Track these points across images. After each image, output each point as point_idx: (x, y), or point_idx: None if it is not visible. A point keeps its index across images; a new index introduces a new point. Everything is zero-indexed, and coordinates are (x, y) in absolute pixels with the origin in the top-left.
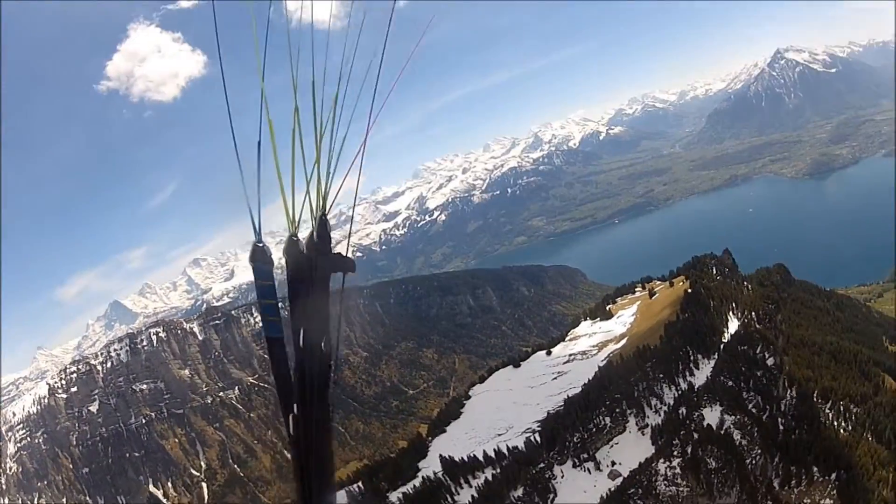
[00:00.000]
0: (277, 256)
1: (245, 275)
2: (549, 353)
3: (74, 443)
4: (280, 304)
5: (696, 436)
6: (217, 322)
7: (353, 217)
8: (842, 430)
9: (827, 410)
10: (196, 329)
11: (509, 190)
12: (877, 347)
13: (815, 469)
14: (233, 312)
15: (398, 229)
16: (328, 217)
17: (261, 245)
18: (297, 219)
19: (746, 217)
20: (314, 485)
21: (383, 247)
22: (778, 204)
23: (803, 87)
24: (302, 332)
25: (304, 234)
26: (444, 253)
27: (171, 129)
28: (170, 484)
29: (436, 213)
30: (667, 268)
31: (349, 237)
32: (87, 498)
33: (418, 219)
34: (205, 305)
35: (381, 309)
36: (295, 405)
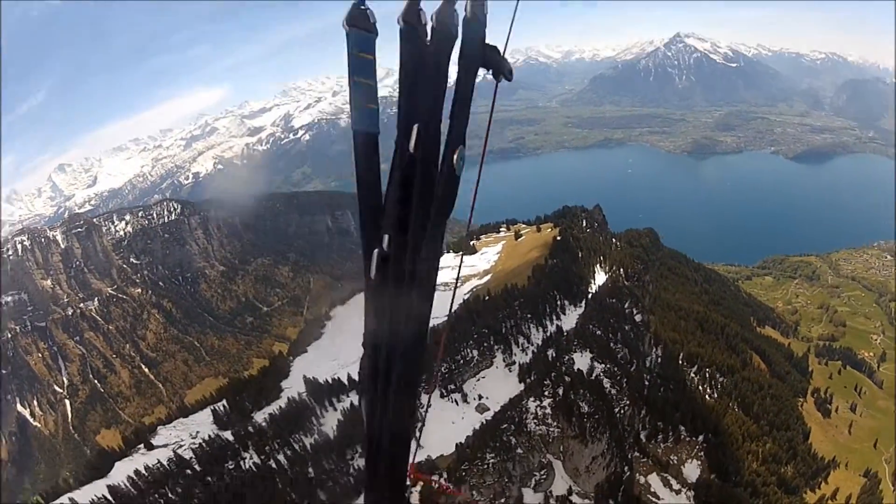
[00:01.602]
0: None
1: (108, 182)
2: None
3: None
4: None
5: (567, 379)
6: (79, 230)
7: None
8: (707, 396)
9: (693, 374)
10: (59, 237)
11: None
12: (745, 326)
13: (682, 428)
14: (94, 220)
15: (261, 145)
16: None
17: (363, 7)
18: None
19: (618, 177)
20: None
21: (245, 161)
22: (652, 172)
23: (697, 72)
24: (416, 131)
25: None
26: (304, 172)
27: (51, 29)
28: (35, 402)
29: (300, 133)
30: (532, 213)
31: (509, 34)
32: None
33: (282, 136)
34: (67, 212)
35: (239, 223)
36: (385, 237)
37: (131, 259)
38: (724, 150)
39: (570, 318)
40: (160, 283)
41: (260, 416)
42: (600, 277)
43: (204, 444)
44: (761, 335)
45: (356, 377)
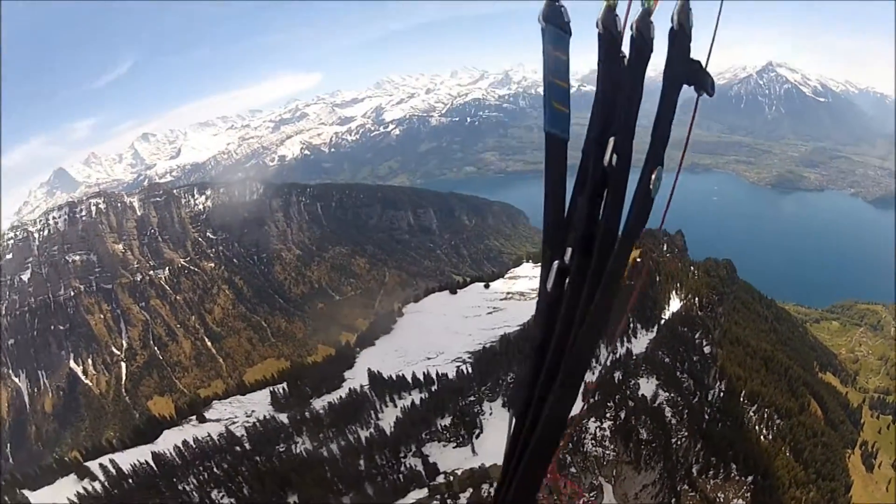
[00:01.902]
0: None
1: (191, 155)
2: (487, 287)
3: (3, 312)
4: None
5: (631, 403)
6: (157, 199)
7: None
8: (762, 437)
9: (751, 413)
10: (136, 204)
11: (468, 119)
12: (808, 369)
13: (734, 466)
14: (174, 191)
15: (350, 135)
16: None
17: (558, 4)
18: None
19: (701, 203)
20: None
21: (332, 149)
22: (735, 202)
23: (787, 103)
24: (612, 144)
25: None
26: (391, 167)
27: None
28: (90, 361)
29: (391, 127)
30: None
31: (712, 45)
32: (10, 371)
33: (372, 128)
34: (147, 181)
35: (321, 210)
36: (569, 249)
37: (208, 233)
38: (806, 186)
39: (640, 342)
40: (234, 260)
41: (318, 403)
42: (674, 304)
43: (258, 424)
44: (821, 381)
45: (420, 376)
